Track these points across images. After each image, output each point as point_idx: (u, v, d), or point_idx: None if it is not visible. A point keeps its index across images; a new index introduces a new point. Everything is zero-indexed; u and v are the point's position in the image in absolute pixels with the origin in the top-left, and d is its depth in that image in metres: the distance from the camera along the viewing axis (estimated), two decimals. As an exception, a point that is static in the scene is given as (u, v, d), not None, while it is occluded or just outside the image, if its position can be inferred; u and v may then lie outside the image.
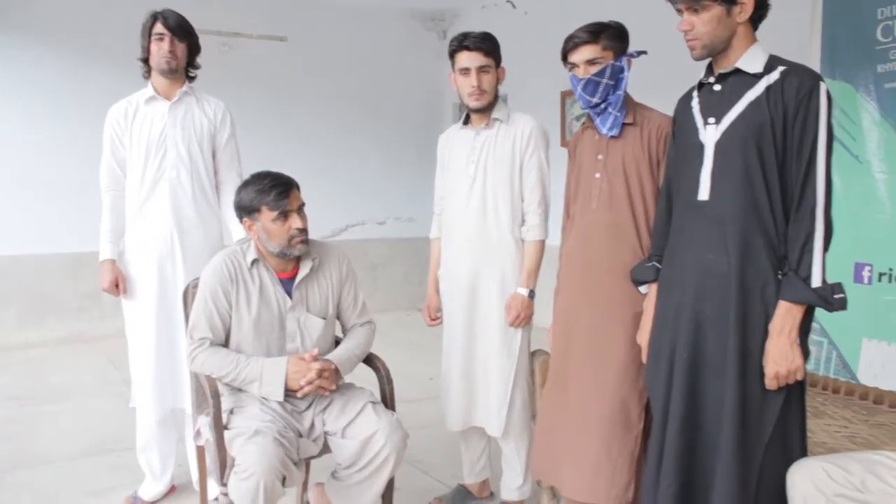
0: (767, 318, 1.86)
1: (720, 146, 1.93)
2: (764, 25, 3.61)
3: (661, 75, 3.58)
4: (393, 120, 7.41)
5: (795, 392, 1.90)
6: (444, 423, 2.84)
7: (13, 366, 5.32)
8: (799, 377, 1.85)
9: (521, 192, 2.63)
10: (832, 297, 1.81)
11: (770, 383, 1.84)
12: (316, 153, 7.01)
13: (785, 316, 1.82)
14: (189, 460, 3.04)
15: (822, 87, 1.85)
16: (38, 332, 6.01)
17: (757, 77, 1.90)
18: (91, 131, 5.78)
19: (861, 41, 3.94)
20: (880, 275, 3.89)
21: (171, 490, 3.05)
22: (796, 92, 1.83)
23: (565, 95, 6.12)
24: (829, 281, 1.82)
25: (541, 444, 2.45)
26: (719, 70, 1.97)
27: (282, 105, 6.90)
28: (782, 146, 1.86)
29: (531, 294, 2.62)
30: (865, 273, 3.97)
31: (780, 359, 1.82)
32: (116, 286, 2.87)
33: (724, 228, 1.91)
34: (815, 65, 4.20)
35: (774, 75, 1.88)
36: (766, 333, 1.86)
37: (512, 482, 2.79)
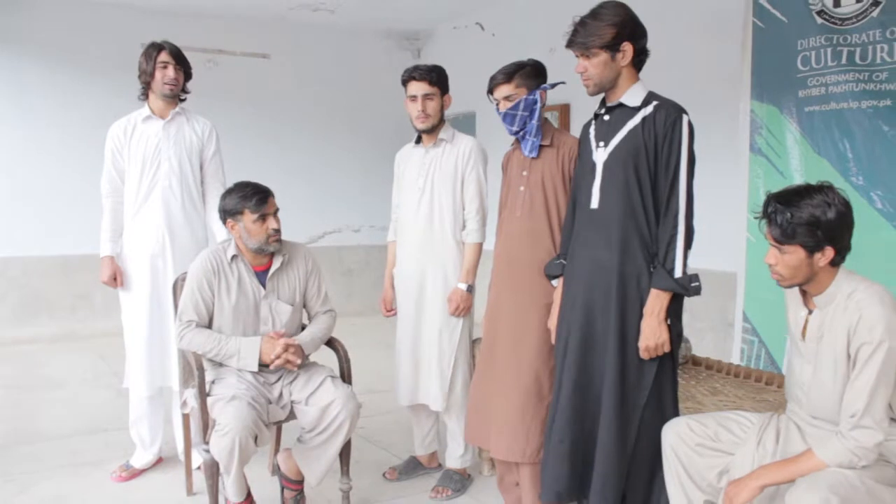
0: (642, 302, 2.32)
1: (607, 165, 2.39)
2: (701, 53, 4.06)
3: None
4: (369, 133, 7.73)
5: (667, 363, 2.36)
6: (396, 399, 3.28)
7: (9, 359, 5.68)
8: (666, 349, 2.30)
9: (463, 202, 3.09)
10: (690, 286, 2.27)
11: (643, 354, 2.30)
12: (296, 164, 7.38)
13: (654, 300, 2.28)
14: (175, 436, 3.46)
15: (685, 118, 2.32)
16: (31, 329, 6.34)
17: (636, 109, 2.36)
18: (82, 142, 6.29)
19: (784, 69, 4.31)
20: None
21: (159, 461, 3.47)
22: (664, 122, 2.30)
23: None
24: (689, 273, 2.28)
25: (472, 414, 2.89)
26: (608, 103, 2.44)
27: (264, 118, 7.25)
28: (654, 165, 2.32)
29: (469, 289, 3.08)
30: None
31: (650, 334, 2.28)
32: (115, 279, 3.28)
33: (609, 231, 2.37)
34: (745, 89, 4.58)
35: (649, 108, 2.35)
36: (641, 315, 2.32)
37: (455, 452, 3.24)
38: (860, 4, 3.98)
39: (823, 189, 1.99)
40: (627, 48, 2.34)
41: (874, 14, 3.91)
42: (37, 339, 6.27)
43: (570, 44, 2.37)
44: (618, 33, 2.31)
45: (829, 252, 1.98)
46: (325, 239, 7.67)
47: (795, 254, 1.99)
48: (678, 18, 5.05)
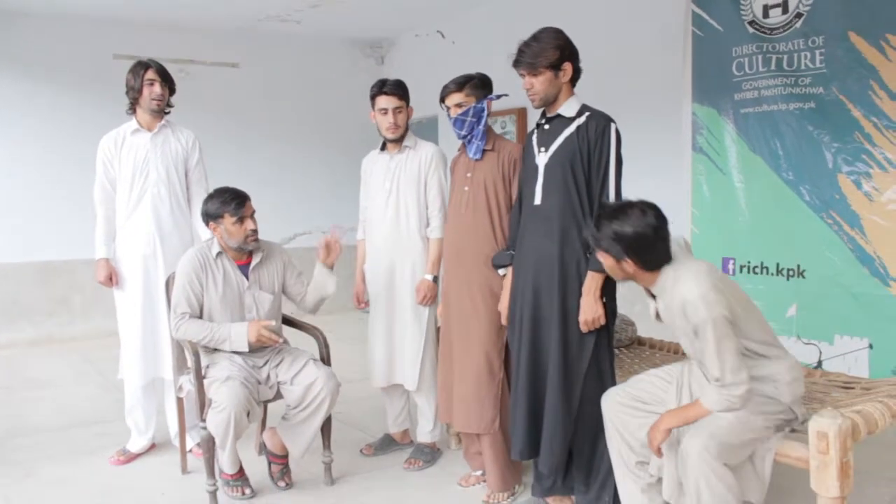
0: (580, 284, 2.66)
1: (547, 167, 2.74)
2: (646, 60, 4.34)
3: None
4: (336, 138, 7.96)
5: (604, 336, 2.71)
6: (371, 382, 3.59)
7: (-9, 363, 5.82)
8: (602, 322, 2.64)
9: (426, 202, 3.42)
10: None
11: (583, 328, 2.65)
12: (268, 169, 7.61)
13: (590, 281, 2.63)
14: (168, 424, 3.73)
15: (613, 126, 2.68)
16: (8, 334, 6.48)
17: (571, 119, 2.71)
18: (59, 153, 6.51)
19: (721, 74, 4.69)
20: (741, 267, 4.65)
21: (153, 446, 3.75)
22: (595, 130, 2.66)
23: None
24: None
25: (441, 394, 3.24)
26: (549, 115, 2.79)
27: (236, 125, 7.47)
28: (587, 166, 2.67)
29: (435, 279, 3.41)
30: (731, 266, 4.72)
31: (587, 310, 2.63)
32: (110, 279, 3.56)
33: (551, 224, 2.71)
34: (687, 92, 4.95)
35: (582, 118, 2.70)
36: (580, 294, 2.67)
37: (425, 428, 3.57)
38: (785, 16, 4.39)
39: (634, 206, 2.35)
40: (568, 67, 2.69)
41: (798, 25, 4.33)
42: (15, 343, 6.43)
43: (518, 63, 2.70)
44: (561, 55, 2.66)
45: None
46: (297, 240, 7.85)
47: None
48: (625, 29, 5.41)
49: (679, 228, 4.87)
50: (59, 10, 6.46)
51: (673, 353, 3.61)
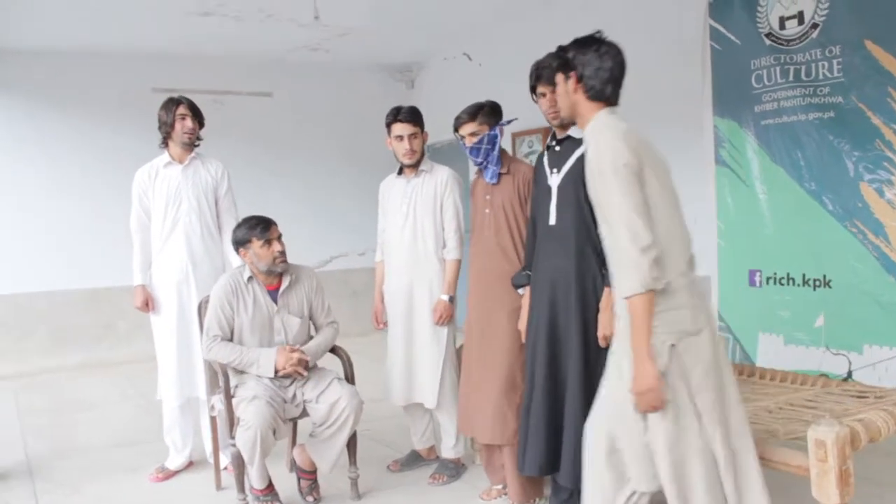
0: (597, 299, 2.73)
1: (560, 188, 2.83)
2: (666, 75, 4.33)
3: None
4: (367, 162, 7.89)
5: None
6: (389, 400, 3.70)
7: (41, 387, 6.13)
8: None
9: (442, 224, 3.53)
10: None
11: (601, 342, 2.71)
12: (302, 194, 7.83)
13: (606, 297, 2.69)
14: (204, 443, 3.89)
15: None
16: (59, 358, 6.79)
17: (580, 141, 2.78)
18: (98, 181, 6.80)
19: (741, 87, 4.72)
20: (767, 279, 4.65)
21: (190, 464, 3.91)
22: None
23: (515, 136, 7.02)
24: None
25: (462, 408, 3.32)
26: (559, 136, 2.88)
27: (270, 153, 7.72)
28: None
29: (451, 299, 3.52)
30: (757, 278, 4.71)
31: (605, 325, 2.68)
32: (147, 305, 3.74)
33: (567, 242, 2.79)
34: (707, 106, 4.98)
35: None
36: (597, 310, 2.73)
37: (447, 443, 3.66)
38: (801, 27, 4.42)
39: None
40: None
41: (814, 35, 4.35)
42: (64, 367, 6.71)
43: (539, 79, 2.84)
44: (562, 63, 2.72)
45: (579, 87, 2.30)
46: (333, 263, 8.07)
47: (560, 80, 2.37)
48: (645, 45, 5.45)
49: (706, 242, 4.92)
50: (103, 48, 6.82)
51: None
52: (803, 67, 4.42)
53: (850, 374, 4.26)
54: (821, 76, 4.34)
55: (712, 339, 2.18)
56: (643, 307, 2.08)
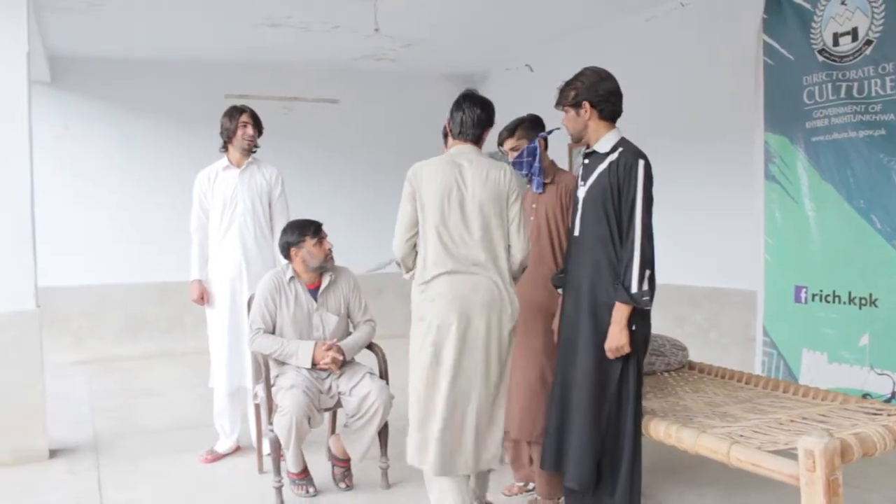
0: (610, 313, 2.81)
1: (584, 201, 2.93)
2: (718, 90, 4.28)
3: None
4: None
5: (631, 363, 2.83)
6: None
7: (114, 373, 6.57)
8: (626, 351, 2.77)
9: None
10: (641, 300, 2.74)
11: (609, 355, 2.80)
12: (365, 198, 8.00)
13: (617, 311, 2.77)
14: (250, 430, 4.14)
15: (641, 163, 2.80)
16: (131, 347, 7.25)
17: (605, 155, 2.89)
18: (174, 184, 7.19)
19: (792, 103, 4.70)
20: (814, 295, 4.60)
21: (237, 448, 4.18)
22: (624, 166, 2.79)
23: (571, 147, 7.11)
24: (644, 290, 2.75)
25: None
26: (587, 150, 2.98)
27: (334, 158, 7.99)
28: (618, 201, 2.81)
29: None
30: (803, 294, 4.67)
31: (612, 339, 2.77)
32: (202, 299, 4.03)
33: (586, 254, 2.88)
34: (759, 121, 4.96)
35: (615, 155, 2.85)
36: (609, 323, 2.82)
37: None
38: (855, 44, 4.39)
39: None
40: (587, 106, 2.86)
41: (867, 52, 4.32)
42: (136, 356, 7.15)
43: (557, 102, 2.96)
44: (576, 95, 2.87)
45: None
46: (391, 266, 8.29)
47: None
48: (697, 60, 5.51)
49: (753, 256, 4.92)
50: (181, 57, 7.23)
51: (720, 377, 3.69)
52: (855, 84, 4.39)
53: (894, 394, 4.21)
54: (873, 93, 4.30)
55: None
56: None
